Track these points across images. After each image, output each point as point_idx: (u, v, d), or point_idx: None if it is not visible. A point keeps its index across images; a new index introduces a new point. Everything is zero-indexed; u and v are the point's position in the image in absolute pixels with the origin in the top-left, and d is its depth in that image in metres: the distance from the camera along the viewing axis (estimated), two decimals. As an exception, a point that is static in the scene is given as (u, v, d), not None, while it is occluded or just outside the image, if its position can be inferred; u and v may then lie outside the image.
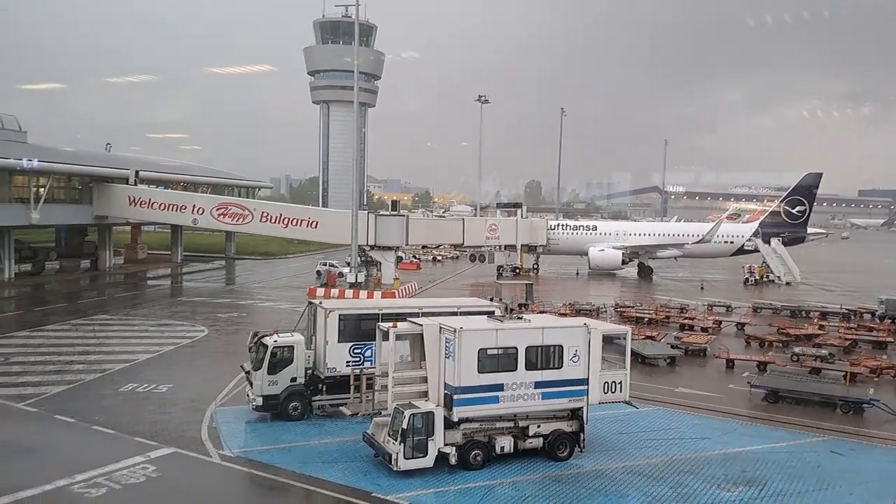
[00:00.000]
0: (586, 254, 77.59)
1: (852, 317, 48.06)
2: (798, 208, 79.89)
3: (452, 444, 19.94)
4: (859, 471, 20.96)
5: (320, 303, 25.72)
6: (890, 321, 45.55)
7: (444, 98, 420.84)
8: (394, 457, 19.22)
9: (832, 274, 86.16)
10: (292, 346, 24.16)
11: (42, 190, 60.18)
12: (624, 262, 77.62)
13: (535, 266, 79.86)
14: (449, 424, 19.94)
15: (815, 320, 47.19)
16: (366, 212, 61.85)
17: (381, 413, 20.87)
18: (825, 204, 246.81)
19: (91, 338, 37.60)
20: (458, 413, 19.86)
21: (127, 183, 64.36)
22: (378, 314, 24.17)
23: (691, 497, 18.74)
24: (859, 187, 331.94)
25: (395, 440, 19.31)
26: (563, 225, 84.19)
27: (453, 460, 19.84)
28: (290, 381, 24.00)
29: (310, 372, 24.55)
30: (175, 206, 60.93)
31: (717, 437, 23.80)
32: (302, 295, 52.68)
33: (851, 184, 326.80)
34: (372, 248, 57.83)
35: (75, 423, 23.29)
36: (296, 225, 59.01)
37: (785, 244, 77.33)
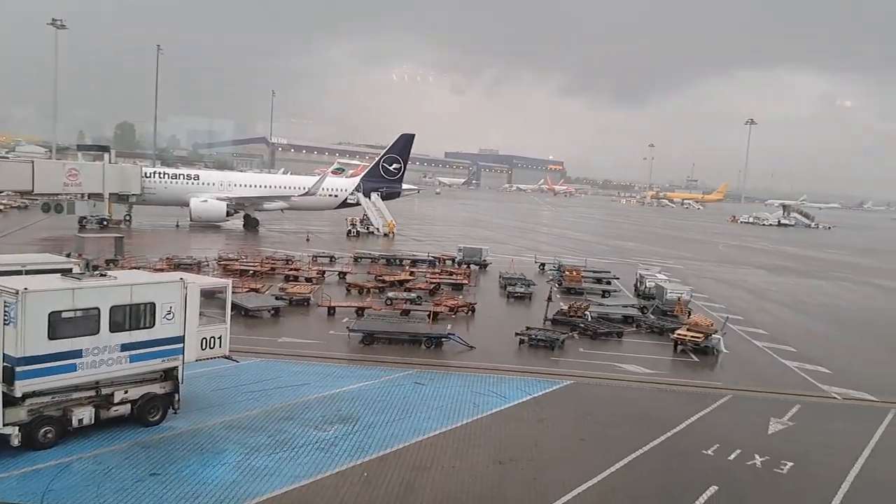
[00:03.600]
0: (187, 205, 73.48)
1: (437, 263, 54.48)
2: (394, 166, 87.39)
3: (15, 424, 16.81)
4: (437, 397, 23.72)
5: None
6: (466, 266, 53.11)
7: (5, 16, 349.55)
8: (-74, 452, 15.31)
9: (423, 226, 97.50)
10: None
11: None
12: (229, 214, 75.80)
13: (128, 217, 72.87)
14: (10, 401, 16.73)
15: (407, 267, 52.44)
16: None
17: None
18: (418, 163, 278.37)
19: None
20: (21, 388, 16.73)
21: None
22: None
23: (289, 442, 18.94)
24: (446, 150, 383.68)
25: (-71, 430, 15.39)
26: (160, 173, 78.29)
27: (16, 441, 16.79)
28: None
29: None
30: None
31: (316, 382, 24.56)
32: None
33: (440, 146, 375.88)
34: None
35: None
36: None
37: (383, 198, 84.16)
